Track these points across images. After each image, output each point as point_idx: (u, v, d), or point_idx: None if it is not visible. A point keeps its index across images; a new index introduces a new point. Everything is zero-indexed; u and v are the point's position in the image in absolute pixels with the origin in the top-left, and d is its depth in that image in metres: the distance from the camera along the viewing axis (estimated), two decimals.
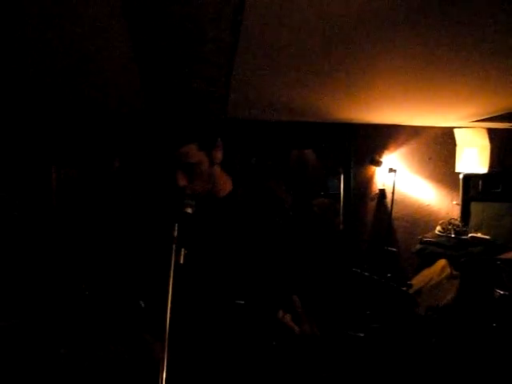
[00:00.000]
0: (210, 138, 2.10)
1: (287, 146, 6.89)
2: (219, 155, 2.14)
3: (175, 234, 1.84)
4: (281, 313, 1.95)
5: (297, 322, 1.95)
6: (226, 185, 2.27)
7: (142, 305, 2.24)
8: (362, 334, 4.87)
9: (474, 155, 6.37)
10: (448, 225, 6.28)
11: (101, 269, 5.16)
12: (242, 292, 2.10)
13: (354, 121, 6.41)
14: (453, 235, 6.08)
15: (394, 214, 6.65)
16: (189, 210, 1.93)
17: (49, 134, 6.11)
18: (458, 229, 6.16)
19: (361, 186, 6.75)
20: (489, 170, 6.32)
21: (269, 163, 6.73)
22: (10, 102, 5.45)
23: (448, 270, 5.59)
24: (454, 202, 6.80)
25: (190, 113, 2.05)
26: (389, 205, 6.64)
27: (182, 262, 1.78)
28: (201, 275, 2.10)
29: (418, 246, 6.29)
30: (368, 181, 6.74)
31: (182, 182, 2.01)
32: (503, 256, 5.44)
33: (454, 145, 6.60)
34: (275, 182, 6.46)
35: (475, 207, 6.70)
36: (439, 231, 6.31)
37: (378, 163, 6.56)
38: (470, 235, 6.05)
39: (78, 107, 5.79)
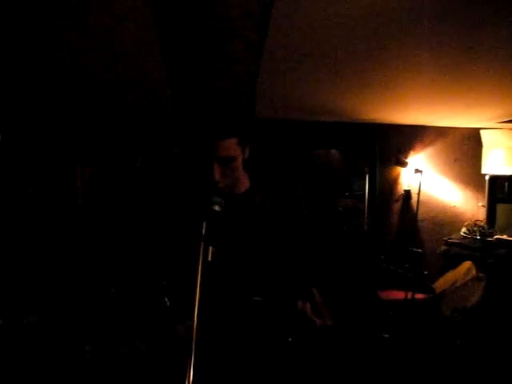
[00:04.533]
0: (246, 135, 2.12)
1: (312, 146, 6.86)
2: (248, 153, 2.16)
3: (204, 231, 1.83)
4: (300, 303, 1.94)
5: (317, 314, 1.94)
6: (245, 182, 2.30)
7: (167, 302, 2.24)
8: (386, 335, 4.84)
9: (500, 156, 6.30)
10: (473, 226, 6.23)
11: (127, 266, 5.18)
12: (260, 287, 2.11)
13: (380, 121, 6.38)
14: (478, 237, 6.02)
15: (419, 215, 6.60)
16: (217, 208, 1.93)
17: (74, 133, 6.14)
18: (483, 230, 6.10)
19: (386, 187, 6.71)
20: None
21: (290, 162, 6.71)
22: (39, 102, 5.49)
23: (473, 272, 5.54)
24: (480, 204, 6.74)
25: (222, 110, 2.06)
26: (414, 206, 6.59)
27: (210, 259, 1.78)
28: (227, 272, 2.10)
29: (443, 248, 6.24)
30: (393, 181, 6.70)
31: (218, 176, 2.02)
32: None
33: (480, 146, 6.53)
34: (293, 181, 6.45)
35: (501, 209, 6.64)
36: (464, 233, 6.25)
37: (403, 164, 6.52)
38: (495, 237, 5.99)
39: (102, 107, 5.81)
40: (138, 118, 6.17)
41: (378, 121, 6.37)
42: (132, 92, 5.01)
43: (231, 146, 2.01)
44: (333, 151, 7.20)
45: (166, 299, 2.25)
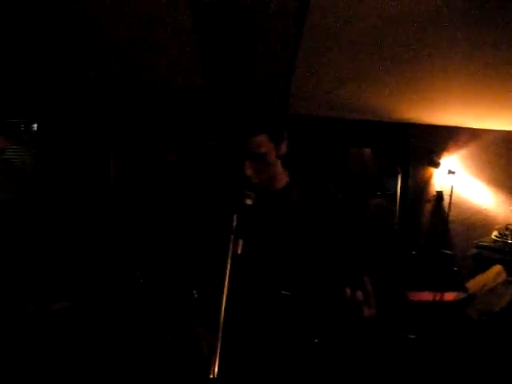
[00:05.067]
0: (278, 131, 2.11)
1: (345, 144, 6.84)
2: (284, 148, 2.17)
3: (234, 224, 1.84)
4: (348, 291, 1.92)
5: (367, 303, 1.93)
6: (283, 178, 2.29)
7: (196, 295, 2.25)
8: (413, 336, 4.82)
9: None
10: (505, 230, 6.15)
11: (157, 258, 5.21)
12: (291, 281, 2.11)
13: (414, 121, 6.34)
14: (510, 241, 5.95)
15: (450, 217, 6.55)
16: (249, 202, 1.94)
17: (109, 124, 6.20)
18: None
19: (418, 188, 6.67)
20: None
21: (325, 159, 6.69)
22: (78, 93, 5.56)
23: (503, 276, 5.49)
24: None
25: (253, 105, 2.06)
26: (446, 207, 6.55)
27: (239, 252, 1.79)
28: (257, 265, 2.10)
29: (474, 251, 6.18)
30: (426, 182, 6.66)
31: (249, 172, 2.03)
32: None
33: None
34: (329, 179, 6.42)
35: None
36: (496, 236, 6.18)
37: (436, 164, 6.47)
38: None
39: (139, 101, 5.86)
40: (174, 111, 6.20)
41: (412, 120, 6.34)
42: (168, 83, 5.04)
43: (262, 143, 2.02)
44: (366, 150, 7.17)
45: (194, 291, 2.27)
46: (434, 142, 6.63)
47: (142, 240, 5.68)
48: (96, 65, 4.41)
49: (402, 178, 6.72)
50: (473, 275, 6.00)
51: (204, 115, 5.91)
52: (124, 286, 5.15)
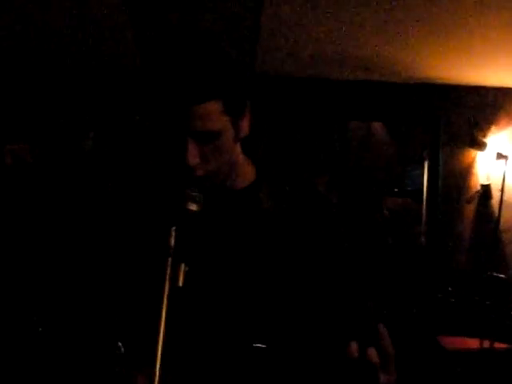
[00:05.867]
0: (238, 97, 1.98)
1: (343, 118, 6.85)
2: (246, 127, 2.07)
3: (172, 242, 1.82)
4: (355, 347, 1.85)
5: (384, 365, 1.84)
6: (246, 173, 2.20)
7: (122, 349, 2.25)
8: None
9: None
10: None
11: (62, 295, 5.19)
12: (266, 329, 2.08)
13: (446, 81, 6.37)
14: None
15: (502, 223, 6.58)
16: (193, 207, 1.88)
17: None
18: None
19: (454, 180, 6.70)
20: None
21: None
22: None
23: None
24: None
25: (200, 60, 1.97)
26: (496, 209, 6.57)
27: (181, 283, 1.77)
28: (210, 304, 2.09)
29: None
30: (465, 172, 6.69)
31: (194, 160, 1.89)
32: None
33: None
34: (317, 171, 6.44)
35: None
36: None
37: (480, 145, 6.50)
38: None
39: (34, 57, 5.83)
40: (87, 75, 6.19)
41: (444, 80, 6.37)
42: (77, 33, 5.02)
43: (212, 115, 1.87)
44: (376, 125, 7.21)
45: (119, 344, 2.27)
46: (477, 111, 6.67)
47: (41, 268, 5.65)
48: None
49: (429, 166, 6.75)
50: None
51: (126, 75, 5.88)
52: (16, 338, 5.13)
